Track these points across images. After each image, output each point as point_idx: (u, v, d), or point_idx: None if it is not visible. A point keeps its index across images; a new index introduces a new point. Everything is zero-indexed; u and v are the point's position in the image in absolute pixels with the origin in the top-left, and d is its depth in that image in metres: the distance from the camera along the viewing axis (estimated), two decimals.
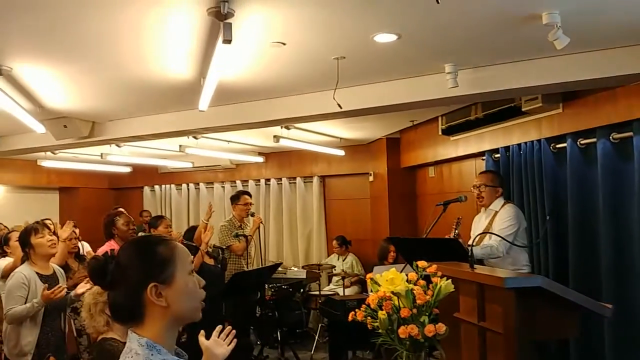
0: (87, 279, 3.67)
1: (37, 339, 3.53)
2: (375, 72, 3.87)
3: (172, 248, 1.43)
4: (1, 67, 3.44)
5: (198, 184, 9.34)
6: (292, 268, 7.41)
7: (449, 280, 2.35)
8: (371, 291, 2.47)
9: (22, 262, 3.79)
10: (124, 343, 2.68)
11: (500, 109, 4.59)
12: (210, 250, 5.32)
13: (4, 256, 4.83)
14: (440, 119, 5.71)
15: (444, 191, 6.24)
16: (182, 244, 1.50)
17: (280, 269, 6.45)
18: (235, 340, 1.98)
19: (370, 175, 7.62)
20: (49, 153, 7.11)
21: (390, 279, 2.36)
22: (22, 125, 4.66)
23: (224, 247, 5.55)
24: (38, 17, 2.73)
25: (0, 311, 3.94)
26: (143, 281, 1.35)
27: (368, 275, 2.53)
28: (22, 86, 3.98)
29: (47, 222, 4.41)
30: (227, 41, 2.52)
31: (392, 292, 2.33)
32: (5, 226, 5.97)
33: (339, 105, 3.76)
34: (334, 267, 7.11)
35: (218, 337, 2.00)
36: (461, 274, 2.87)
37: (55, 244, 3.80)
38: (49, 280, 3.65)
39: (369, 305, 2.38)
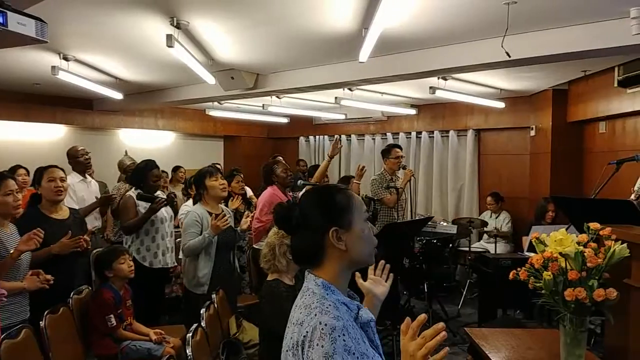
0: (246, 213, 3.97)
1: (211, 272, 3.88)
2: (549, 18, 3.58)
3: (349, 196, 1.51)
4: (180, 21, 3.74)
5: (350, 135, 9.55)
6: (442, 223, 7.31)
7: (624, 245, 2.21)
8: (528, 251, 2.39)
9: (195, 202, 4.14)
10: (291, 286, 2.89)
11: None
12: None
13: (189, 198, 5.37)
14: (616, 69, 5.18)
15: (615, 149, 5.70)
16: None
17: (429, 223, 6.41)
18: (392, 275, 1.92)
19: (532, 129, 7.15)
20: (216, 103, 7.71)
21: (558, 240, 2.26)
22: (194, 76, 5.05)
23: (376, 198, 5.64)
24: None
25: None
26: (324, 225, 1.45)
27: (533, 235, 2.43)
28: (197, 40, 4.30)
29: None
30: None
31: (560, 254, 2.23)
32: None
33: (508, 54, 3.54)
34: (487, 224, 6.89)
35: (374, 274, 1.93)
36: (636, 238, 2.63)
37: (225, 188, 4.09)
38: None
39: (532, 265, 2.31)
